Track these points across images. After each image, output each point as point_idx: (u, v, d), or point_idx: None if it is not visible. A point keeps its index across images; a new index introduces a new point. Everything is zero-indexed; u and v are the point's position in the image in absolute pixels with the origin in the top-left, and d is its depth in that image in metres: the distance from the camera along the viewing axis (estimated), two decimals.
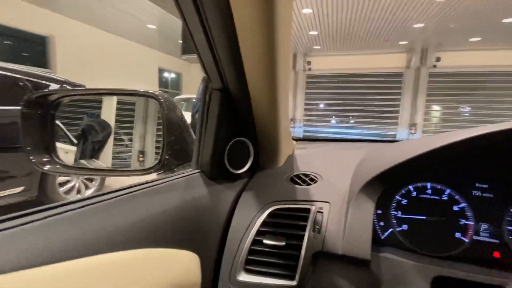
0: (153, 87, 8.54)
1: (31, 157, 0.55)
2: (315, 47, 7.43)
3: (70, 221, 0.31)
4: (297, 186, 0.57)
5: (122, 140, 0.82)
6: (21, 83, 2.56)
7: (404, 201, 0.51)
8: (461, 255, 0.47)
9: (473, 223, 0.48)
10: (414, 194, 0.51)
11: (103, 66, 6.89)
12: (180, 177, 0.50)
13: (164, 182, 0.47)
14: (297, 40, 6.90)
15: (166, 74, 9.73)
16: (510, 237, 0.46)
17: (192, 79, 10.52)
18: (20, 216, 0.29)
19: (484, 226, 0.48)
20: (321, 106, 8.55)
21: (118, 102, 0.75)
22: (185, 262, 0.36)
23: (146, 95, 0.61)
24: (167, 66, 9.47)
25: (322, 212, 0.49)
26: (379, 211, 0.52)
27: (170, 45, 7.96)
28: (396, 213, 0.51)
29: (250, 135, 0.60)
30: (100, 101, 0.76)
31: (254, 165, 0.62)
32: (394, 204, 0.52)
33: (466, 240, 0.48)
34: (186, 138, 0.59)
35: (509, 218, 0.46)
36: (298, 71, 8.32)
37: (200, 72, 0.53)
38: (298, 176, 0.61)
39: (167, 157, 0.57)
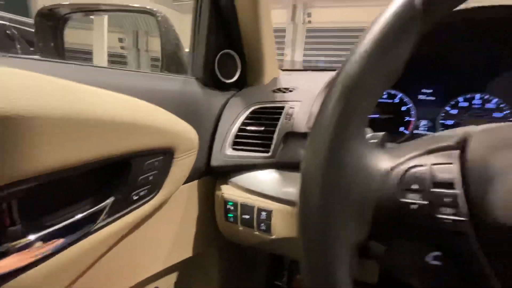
0: None
1: None
2: None
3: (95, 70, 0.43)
4: (276, 94, 0.68)
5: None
6: (8, 32, 2.50)
7: None
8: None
9: (414, 119, 0.62)
10: None
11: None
12: (178, 77, 0.60)
13: (164, 75, 0.57)
14: None
15: None
16: (441, 129, 0.59)
17: (183, 33, 9.99)
18: None
19: (423, 122, 0.62)
20: (322, 65, 8.32)
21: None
22: (188, 128, 0.48)
23: (143, 11, 0.67)
24: None
25: (294, 108, 0.60)
26: None
27: None
28: None
29: (238, 49, 0.68)
30: None
31: (241, 78, 0.71)
32: None
33: (407, 132, 0.62)
34: (180, 50, 0.67)
35: (443, 115, 0.60)
36: (298, 24, 7.86)
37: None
38: (279, 89, 0.71)
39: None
